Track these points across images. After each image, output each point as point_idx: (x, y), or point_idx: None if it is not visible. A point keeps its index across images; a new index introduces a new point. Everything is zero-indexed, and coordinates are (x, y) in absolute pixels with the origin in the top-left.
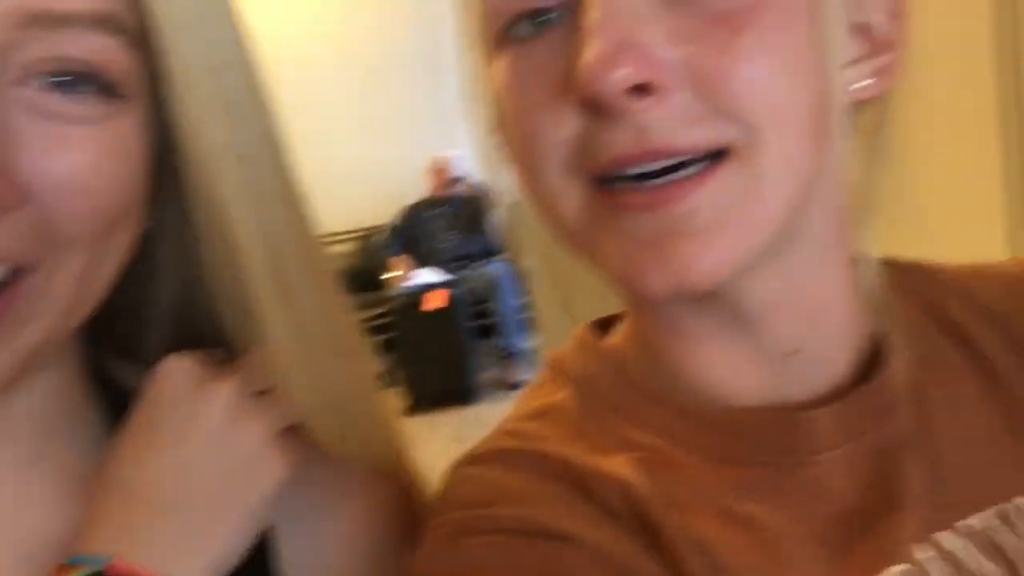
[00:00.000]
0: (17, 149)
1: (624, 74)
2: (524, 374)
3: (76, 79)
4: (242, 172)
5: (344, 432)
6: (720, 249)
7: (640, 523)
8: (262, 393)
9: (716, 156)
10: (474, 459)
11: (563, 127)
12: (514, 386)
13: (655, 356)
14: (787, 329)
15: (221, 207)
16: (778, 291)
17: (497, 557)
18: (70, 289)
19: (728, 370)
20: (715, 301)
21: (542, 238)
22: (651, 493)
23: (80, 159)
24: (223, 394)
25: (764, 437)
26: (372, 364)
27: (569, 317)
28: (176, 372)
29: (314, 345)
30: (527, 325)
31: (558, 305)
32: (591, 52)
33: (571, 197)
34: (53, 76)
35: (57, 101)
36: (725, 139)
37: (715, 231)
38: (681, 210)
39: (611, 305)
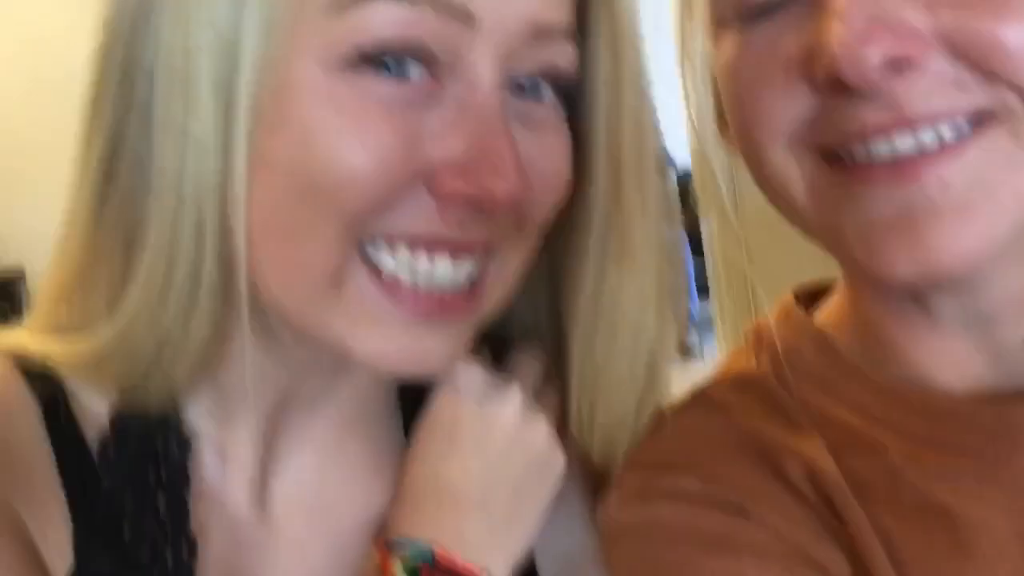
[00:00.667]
0: (518, 152)
1: (878, 51)
2: (698, 340)
3: (542, 83)
4: (640, 187)
5: (610, 447)
6: (976, 228)
7: (826, 508)
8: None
9: (976, 124)
10: (669, 417)
11: (795, 104)
12: (688, 352)
13: (870, 336)
14: (1022, 323)
15: (622, 214)
16: (1022, 284)
17: (680, 521)
18: (514, 274)
19: (948, 358)
20: (952, 290)
21: (720, 204)
22: (841, 478)
23: (557, 155)
24: (514, 398)
25: (974, 425)
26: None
27: (746, 285)
28: (471, 378)
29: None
30: (702, 292)
31: (735, 273)
32: (840, 30)
33: (800, 173)
34: (526, 81)
35: (531, 106)
36: (990, 104)
37: (970, 207)
38: (932, 183)
39: (793, 277)
